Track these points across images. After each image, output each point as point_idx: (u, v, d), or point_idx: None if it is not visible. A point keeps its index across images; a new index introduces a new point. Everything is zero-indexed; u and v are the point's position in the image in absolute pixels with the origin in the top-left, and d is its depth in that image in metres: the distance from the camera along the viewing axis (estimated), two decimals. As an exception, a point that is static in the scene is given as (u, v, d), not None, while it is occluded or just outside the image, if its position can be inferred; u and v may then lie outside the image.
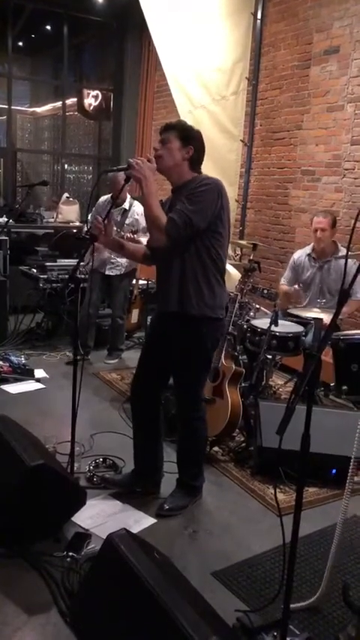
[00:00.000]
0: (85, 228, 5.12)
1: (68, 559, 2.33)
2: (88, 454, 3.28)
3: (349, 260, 3.42)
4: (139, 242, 4.32)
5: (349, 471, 2.05)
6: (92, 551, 2.37)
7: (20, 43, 8.73)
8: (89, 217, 5.16)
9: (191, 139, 2.60)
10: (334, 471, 3.11)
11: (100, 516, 2.70)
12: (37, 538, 2.44)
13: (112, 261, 4.83)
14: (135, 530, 2.52)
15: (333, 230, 4.13)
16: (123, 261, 4.81)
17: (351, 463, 2.06)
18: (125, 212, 4.77)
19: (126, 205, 4.77)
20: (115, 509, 2.79)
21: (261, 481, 3.15)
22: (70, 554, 2.35)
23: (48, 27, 8.68)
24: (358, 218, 1.76)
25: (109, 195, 4.90)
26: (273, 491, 3.00)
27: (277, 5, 5.61)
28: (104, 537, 2.02)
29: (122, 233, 4.40)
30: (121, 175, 4.44)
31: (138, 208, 4.77)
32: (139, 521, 2.70)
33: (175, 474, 2.93)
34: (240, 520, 2.81)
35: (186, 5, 5.11)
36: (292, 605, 1.94)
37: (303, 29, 5.31)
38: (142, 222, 4.65)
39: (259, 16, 5.72)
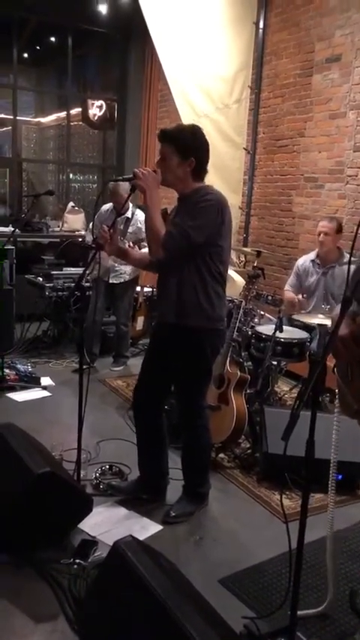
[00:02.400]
0: (89, 237, 5.15)
1: (75, 566, 2.34)
2: (95, 461, 3.29)
3: (353, 266, 3.42)
4: (142, 249, 4.36)
5: (330, 475, 2.06)
6: (99, 558, 2.38)
7: (25, 55, 8.81)
8: (90, 226, 5.20)
9: (191, 151, 2.55)
10: (339, 476, 3.11)
11: (106, 523, 2.70)
12: (44, 545, 2.45)
13: (117, 269, 4.85)
14: (141, 537, 2.52)
15: (337, 236, 4.14)
16: (127, 269, 4.84)
17: (331, 465, 2.06)
18: (128, 220, 4.80)
19: (129, 214, 4.80)
20: (122, 517, 2.80)
21: (267, 487, 3.16)
22: (77, 561, 2.36)
23: (52, 39, 8.77)
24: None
25: (111, 204, 4.93)
26: (279, 498, 2.99)
27: (279, 15, 5.66)
28: (111, 544, 2.03)
29: (125, 241, 4.43)
30: (123, 186, 4.50)
31: (140, 217, 4.80)
32: (146, 528, 2.70)
33: (181, 481, 2.94)
34: (246, 526, 2.81)
35: (188, 15, 5.16)
36: (299, 612, 1.94)
37: (305, 38, 5.35)
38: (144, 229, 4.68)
39: (261, 25, 5.76)
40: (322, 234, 4.11)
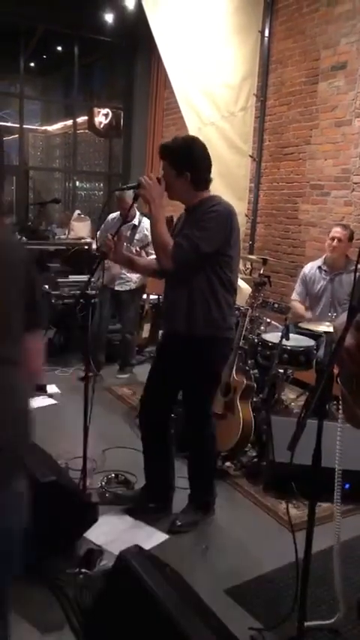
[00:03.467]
0: (95, 245, 5.16)
1: (81, 576, 2.33)
2: (100, 470, 3.28)
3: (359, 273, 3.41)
4: (149, 256, 4.36)
5: (335, 485, 2.04)
6: (105, 567, 2.37)
7: (32, 64, 8.90)
8: (97, 234, 5.21)
9: (185, 164, 2.52)
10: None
11: (112, 532, 2.69)
12: (50, 555, 2.44)
13: (122, 276, 4.86)
14: (147, 546, 2.50)
15: (349, 244, 4.14)
16: (133, 277, 4.84)
17: (335, 474, 2.04)
18: (135, 228, 4.81)
19: (135, 221, 4.81)
20: (127, 526, 2.78)
21: (273, 496, 3.14)
22: (83, 570, 2.35)
23: (59, 48, 8.85)
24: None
25: (118, 213, 4.95)
26: (285, 507, 2.97)
27: (284, 23, 5.68)
28: (116, 554, 2.02)
29: (132, 248, 4.44)
30: (129, 193, 4.51)
31: (147, 224, 4.81)
32: (152, 538, 2.69)
33: (187, 490, 2.92)
34: (252, 536, 2.79)
35: (194, 24, 5.19)
36: (306, 623, 1.92)
37: (310, 46, 5.36)
38: (150, 237, 4.69)
39: (266, 33, 5.78)
40: (335, 240, 4.10)
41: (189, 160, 2.55)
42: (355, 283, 1.86)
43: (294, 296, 4.44)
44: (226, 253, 2.58)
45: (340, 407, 1.93)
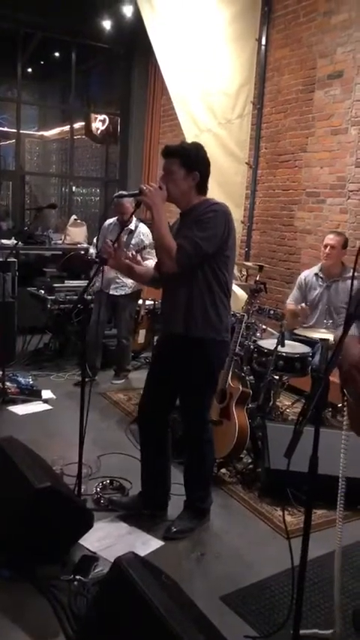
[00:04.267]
0: (92, 250, 5.17)
1: (75, 582, 2.31)
2: (96, 476, 3.27)
3: (356, 281, 3.42)
4: (145, 260, 4.37)
5: (339, 491, 2.04)
6: (99, 574, 2.36)
7: (29, 70, 8.92)
8: (95, 240, 5.22)
9: (195, 164, 2.59)
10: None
11: (107, 539, 2.68)
12: (44, 561, 2.43)
13: (118, 281, 4.86)
14: (142, 553, 2.50)
15: (343, 251, 4.15)
16: (129, 281, 4.84)
17: (339, 483, 2.04)
18: (131, 232, 4.82)
19: (132, 226, 4.82)
20: (123, 532, 2.77)
21: (269, 503, 3.13)
22: (78, 577, 2.33)
23: (56, 54, 8.87)
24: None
25: (115, 219, 4.96)
26: (281, 514, 2.97)
27: (281, 32, 5.72)
28: (112, 560, 2.00)
29: (128, 252, 4.44)
30: (128, 199, 4.53)
31: (143, 229, 4.84)
32: (147, 544, 2.68)
33: (183, 496, 2.92)
34: (248, 543, 2.79)
35: (191, 31, 5.22)
36: (301, 631, 1.91)
37: (307, 54, 5.40)
38: (147, 241, 4.70)
39: (263, 42, 5.82)
40: (328, 247, 4.12)
41: (198, 159, 2.60)
42: (352, 292, 1.88)
43: (289, 300, 4.45)
44: (223, 253, 2.60)
45: (345, 416, 1.93)
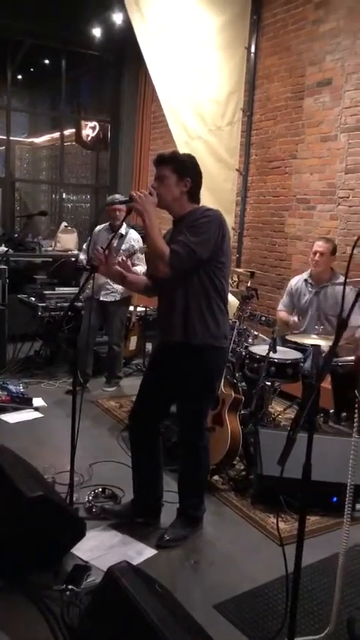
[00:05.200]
0: (82, 257, 5.15)
1: (68, 592, 2.29)
2: (87, 484, 3.25)
3: (347, 287, 3.44)
4: (134, 266, 4.36)
5: (347, 498, 2.03)
6: (92, 583, 2.34)
7: (19, 77, 8.92)
8: (84, 247, 5.21)
9: (187, 171, 2.60)
10: (335, 498, 3.09)
11: (99, 548, 2.66)
12: (36, 571, 2.40)
13: (108, 287, 4.85)
14: (135, 561, 2.49)
15: (332, 257, 4.17)
16: (119, 287, 4.82)
17: (347, 490, 2.04)
18: (122, 237, 4.82)
19: (122, 231, 4.81)
20: (115, 541, 2.75)
21: (262, 510, 3.12)
22: (70, 587, 2.31)
23: (46, 61, 8.88)
24: (356, 245, 1.79)
25: (105, 224, 4.95)
26: (274, 521, 2.96)
27: (270, 40, 5.76)
28: (104, 569, 1.99)
29: (118, 258, 4.43)
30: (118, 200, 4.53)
31: (134, 235, 4.84)
32: (140, 553, 2.66)
33: (176, 504, 2.90)
34: (241, 550, 2.78)
35: (181, 39, 5.24)
36: (296, 639, 1.91)
37: (296, 62, 5.44)
38: (137, 247, 4.70)
39: (252, 49, 5.87)
40: (317, 254, 4.13)
41: (190, 165, 2.62)
42: (344, 298, 1.88)
43: (280, 307, 4.46)
44: (218, 259, 2.59)
45: (356, 420, 1.91)
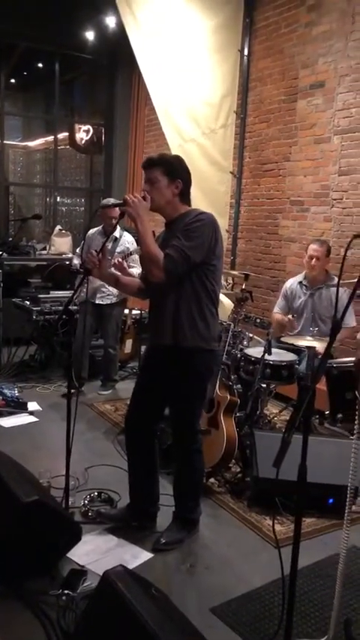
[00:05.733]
0: (75, 261, 5.14)
1: (64, 597, 2.28)
2: (83, 488, 3.24)
3: (340, 288, 3.45)
4: (129, 268, 4.36)
5: (347, 500, 2.03)
6: (88, 588, 2.33)
7: (13, 80, 8.91)
8: (77, 250, 5.20)
9: (177, 172, 2.60)
10: (331, 500, 3.09)
11: (95, 552, 2.65)
12: (32, 576, 2.39)
13: (103, 290, 4.85)
14: (131, 565, 2.48)
15: (327, 259, 4.18)
16: (114, 290, 4.82)
17: (348, 492, 2.04)
18: (116, 240, 4.81)
19: (117, 234, 4.81)
20: (111, 545, 2.74)
21: (258, 512, 3.12)
22: (66, 592, 2.30)
23: (40, 64, 8.87)
24: (348, 247, 1.80)
25: (98, 227, 4.95)
26: (270, 523, 2.96)
27: (263, 42, 5.78)
28: (100, 574, 1.98)
29: (113, 261, 4.42)
30: (113, 207, 4.52)
31: (128, 237, 4.84)
32: (136, 557, 2.65)
33: (172, 507, 2.90)
34: (238, 553, 2.77)
35: (175, 42, 5.25)
36: (292, 641, 1.90)
37: (289, 65, 5.46)
38: (132, 249, 4.69)
39: (245, 52, 5.88)
40: (314, 259, 4.13)
41: (179, 167, 2.63)
42: (337, 299, 1.89)
43: (275, 309, 4.47)
44: (210, 262, 2.59)
45: (357, 421, 1.91)
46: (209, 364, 2.75)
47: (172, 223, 2.66)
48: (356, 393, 1.84)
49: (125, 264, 2.93)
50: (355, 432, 1.92)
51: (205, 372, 2.74)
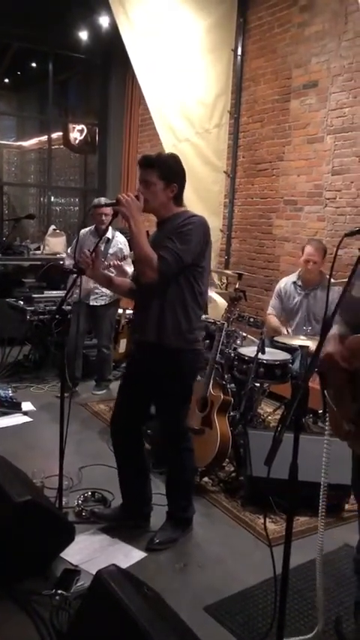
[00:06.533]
0: (68, 261, 5.13)
1: (57, 597, 2.28)
2: (77, 488, 3.24)
3: (335, 288, 3.46)
4: (124, 271, 4.35)
5: (320, 498, 2.04)
6: (81, 588, 2.33)
7: (6, 80, 8.89)
8: (69, 250, 5.19)
9: (173, 176, 2.60)
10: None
11: (89, 552, 2.65)
12: (25, 576, 2.39)
13: (97, 291, 4.84)
14: (125, 565, 2.47)
15: (322, 260, 4.18)
16: (107, 291, 4.82)
17: (321, 490, 2.05)
18: (109, 241, 4.81)
19: (109, 235, 4.80)
20: (105, 544, 2.74)
21: (252, 511, 3.13)
22: (59, 591, 2.30)
23: (33, 64, 8.86)
24: (339, 246, 1.80)
25: (91, 227, 4.94)
26: (263, 522, 2.96)
27: (257, 42, 5.78)
28: (94, 573, 1.98)
29: (106, 263, 4.42)
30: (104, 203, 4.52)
31: (121, 238, 4.83)
32: (129, 556, 2.65)
33: (165, 507, 2.90)
34: (231, 552, 2.77)
35: (168, 42, 5.26)
36: None
37: (282, 65, 5.47)
38: (125, 251, 4.69)
39: (239, 52, 5.89)
40: (310, 263, 4.13)
41: (177, 170, 2.62)
42: (328, 298, 1.90)
43: (269, 310, 4.47)
44: (199, 264, 2.61)
45: (327, 419, 1.94)
46: (192, 364, 2.75)
47: (164, 223, 2.66)
48: (325, 392, 1.85)
49: (120, 264, 2.93)
50: (325, 431, 1.95)
51: (188, 372, 2.74)
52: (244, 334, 4.18)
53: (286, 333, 4.20)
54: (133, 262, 2.74)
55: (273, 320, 4.35)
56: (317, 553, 2.06)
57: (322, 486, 2.02)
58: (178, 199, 2.66)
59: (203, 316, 4.27)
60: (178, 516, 2.86)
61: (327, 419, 1.95)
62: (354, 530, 2.29)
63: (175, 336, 2.61)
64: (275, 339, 4.07)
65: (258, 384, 3.86)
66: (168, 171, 2.58)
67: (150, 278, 2.53)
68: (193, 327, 2.66)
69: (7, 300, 5.56)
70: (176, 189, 2.61)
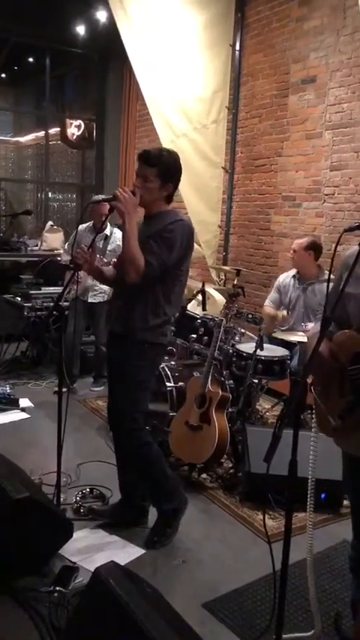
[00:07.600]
0: (65, 257, 5.11)
1: (55, 594, 2.28)
2: (75, 484, 3.23)
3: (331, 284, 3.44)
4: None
5: (308, 493, 2.04)
6: (80, 585, 2.33)
7: (3, 75, 8.85)
8: (66, 246, 5.17)
9: (171, 177, 2.63)
10: (323, 495, 3.10)
11: (87, 548, 2.65)
12: (23, 573, 2.39)
13: (95, 288, 4.83)
14: (123, 561, 2.47)
15: (307, 252, 4.17)
16: (106, 288, 4.81)
17: (309, 485, 2.05)
18: (107, 238, 4.79)
19: (107, 232, 4.79)
20: (103, 541, 2.74)
21: (250, 507, 3.13)
22: (57, 588, 2.30)
23: (30, 59, 8.81)
24: (338, 242, 1.80)
25: (89, 223, 4.92)
26: (262, 518, 2.96)
27: (255, 37, 5.76)
28: (92, 570, 1.97)
29: (105, 260, 4.40)
30: (104, 204, 4.50)
31: (119, 234, 4.80)
32: (128, 553, 2.66)
33: (163, 504, 2.89)
34: (230, 548, 2.78)
35: (166, 37, 5.23)
36: (284, 636, 1.91)
37: (280, 60, 5.44)
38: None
39: (237, 47, 5.86)
40: (292, 251, 4.22)
41: (174, 171, 2.65)
42: (328, 294, 1.89)
43: (267, 302, 4.46)
44: (179, 267, 2.65)
45: (314, 415, 1.94)
46: (154, 357, 2.75)
47: (151, 219, 2.69)
48: (311, 388, 1.85)
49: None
50: (312, 426, 1.95)
51: (147, 364, 2.72)
52: (243, 330, 4.18)
53: (281, 316, 4.18)
54: (119, 259, 2.73)
55: (268, 309, 4.35)
56: (307, 553, 2.06)
57: (309, 485, 2.01)
58: (170, 198, 2.70)
59: (201, 313, 4.29)
60: (163, 510, 2.81)
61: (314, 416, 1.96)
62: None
63: (141, 328, 2.63)
64: (274, 334, 4.06)
65: (256, 381, 3.86)
66: (167, 171, 2.61)
67: (132, 279, 2.54)
68: (161, 323, 2.68)
69: (5, 296, 5.54)
70: (171, 189, 2.65)
